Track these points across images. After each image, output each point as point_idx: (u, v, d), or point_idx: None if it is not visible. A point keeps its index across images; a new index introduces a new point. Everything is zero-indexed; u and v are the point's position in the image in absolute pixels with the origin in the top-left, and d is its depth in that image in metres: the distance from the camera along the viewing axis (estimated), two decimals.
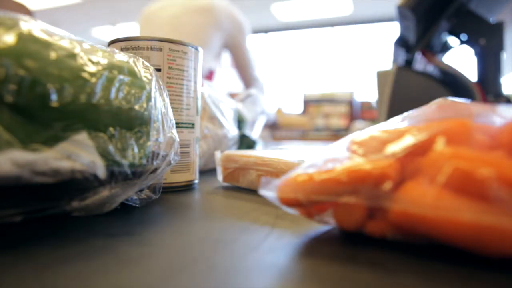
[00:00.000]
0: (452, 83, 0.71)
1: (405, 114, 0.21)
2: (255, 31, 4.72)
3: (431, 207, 0.14)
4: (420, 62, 0.78)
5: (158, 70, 0.32)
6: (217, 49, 1.31)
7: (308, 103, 3.85)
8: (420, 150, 0.17)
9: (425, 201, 0.15)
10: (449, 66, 0.72)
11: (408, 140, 0.17)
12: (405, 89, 0.73)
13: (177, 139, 0.26)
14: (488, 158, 0.15)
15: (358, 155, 0.18)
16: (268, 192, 0.19)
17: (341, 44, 4.50)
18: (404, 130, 0.18)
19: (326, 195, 0.17)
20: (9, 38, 0.17)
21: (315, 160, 0.19)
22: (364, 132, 0.20)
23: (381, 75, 0.78)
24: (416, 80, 0.73)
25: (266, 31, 4.74)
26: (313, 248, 0.17)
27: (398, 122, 0.20)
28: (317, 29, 4.54)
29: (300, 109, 3.89)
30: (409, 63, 0.78)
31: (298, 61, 4.71)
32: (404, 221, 0.16)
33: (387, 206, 0.16)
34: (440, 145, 0.16)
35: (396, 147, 0.17)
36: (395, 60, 0.84)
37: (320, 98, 3.81)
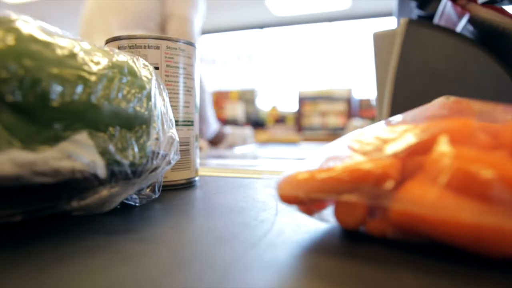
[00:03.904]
0: (500, 46, 0.42)
1: (406, 113, 0.21)
2: (250, 27, 4.67)
3: (432, 207, 0.14)
4: (445, 15, 0.46)
5: (156, 68, 0.31)
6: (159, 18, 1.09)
7: (303, 100, 3.78)
8: (421, 149, 0.17)
9: (426, 201, 0.15)
10: (499, 16, 0.41)
11: (410, 139, 0.17)
12: (421, 56, 0.43)
13: (177, 139, 0.26)
14: (490, 159, 0.15)
15: (359, 153, 0.18)
16: (269, 190, 0.19)
17: (338, 39, 4.48)
18: (405, 129, 0.18)
19: (327, 194, 0.17)
20: (9, 38, 0.17)
21: (316, 159, 0.20)
22: (366, 131, 0.20)
23: (381, 38, 0.49)
24: (439, 41, 0.42)
25: (261, 27, 4.70)
26: (313, 245, 0.18)
27: (399, 120, 0.20)
28: (314, 24, 4.51)
29: (295, 107, 3.82)
30: (425, 19, 0.48)
31: (294, 58, 4.69)
32: (405, 220, 0.16)
33: (388, 205, 0.16)
34: (442, 144, 0.16)
35: (397, 146, 0.17)
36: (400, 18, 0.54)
37: (316, 95, 3.75)
